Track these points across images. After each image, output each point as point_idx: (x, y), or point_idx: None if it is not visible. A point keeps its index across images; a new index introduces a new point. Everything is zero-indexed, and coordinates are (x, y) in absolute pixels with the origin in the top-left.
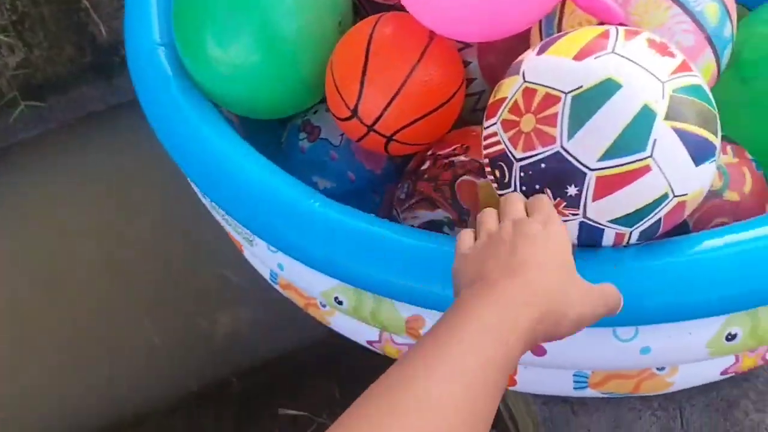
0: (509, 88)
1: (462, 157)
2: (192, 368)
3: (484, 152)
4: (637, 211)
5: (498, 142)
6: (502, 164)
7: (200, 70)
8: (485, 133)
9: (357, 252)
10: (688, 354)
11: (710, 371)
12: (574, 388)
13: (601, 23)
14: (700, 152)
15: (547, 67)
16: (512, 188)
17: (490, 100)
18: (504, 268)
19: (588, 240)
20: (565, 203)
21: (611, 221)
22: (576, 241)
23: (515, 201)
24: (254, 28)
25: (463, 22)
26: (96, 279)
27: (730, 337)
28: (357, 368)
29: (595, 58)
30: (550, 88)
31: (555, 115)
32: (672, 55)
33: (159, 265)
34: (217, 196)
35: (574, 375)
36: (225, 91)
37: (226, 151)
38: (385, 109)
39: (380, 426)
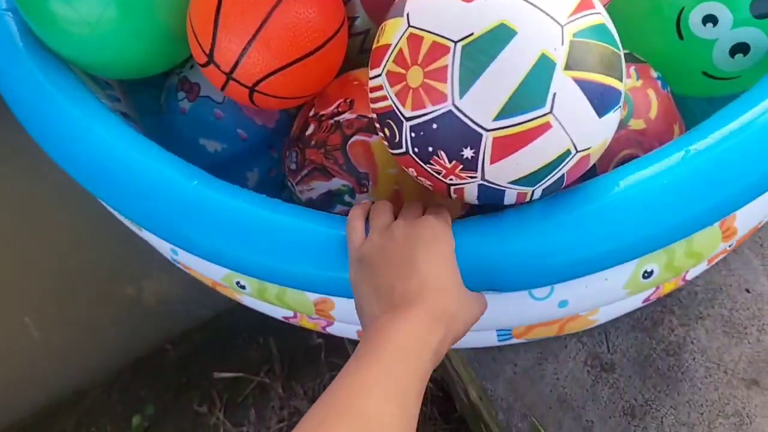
0: (393, 33)
1: (347, 115)
2: (124, 339)
3: (372, 107)
4: (538, 170)
5: (384, 97)
6: (391, 122)
7: (48, 32)
8: (371, 84)
9: (245, 240)
10: (607, 298)
11: (632, 303)
12: (499, 341)
13: None
14: (603, 102)
15: (434, 9)
16: (403, 149)
17: (374, 45)
18: (408, 292)
19: (488, 200)
20: (461, 166)
21: (512, 182)
22: (477, 201)
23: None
24: None
25: None
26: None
27: (647, 275)
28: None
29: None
30: (437, 35)
31: (444, 68)
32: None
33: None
34: (85, 181)
35: (497, 331)
36: (80, 52)
37: (87, 125)
38: (241, 54)
39: None
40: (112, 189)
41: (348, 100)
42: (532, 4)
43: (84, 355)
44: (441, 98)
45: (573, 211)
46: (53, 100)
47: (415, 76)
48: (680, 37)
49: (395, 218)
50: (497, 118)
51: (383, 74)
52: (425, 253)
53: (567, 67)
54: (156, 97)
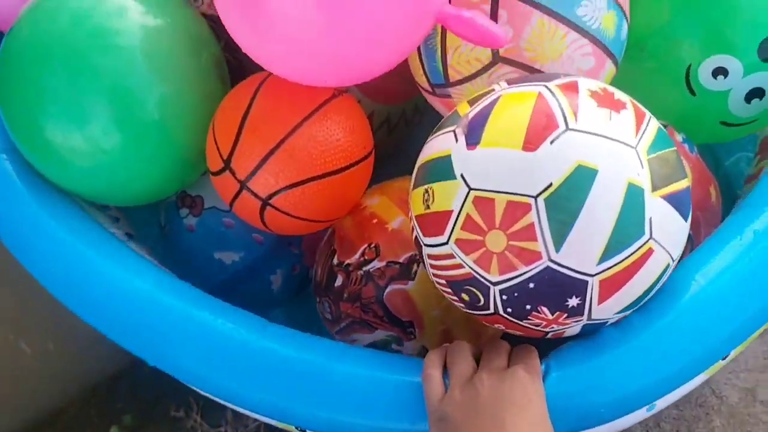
0: (449, 198)
1: (376, 263)
2: (102, 353)
3: (437, 273)
4: (643, 293)
5: (458, 265)
6: (472, 288)
7: (46, 163)
8: (430, 252)
9: (304, 393)
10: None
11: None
12: None
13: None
14: (686, 205)
15: (496, 167)
16: (491, 311)
17: (420, 210)
18: None
19: (587, 331)
20: (566, 315)
21: (618, 312)
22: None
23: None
24: (100, 108)
25: (315, 72)
26: None
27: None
28: None
29: (551, 143)
30: (511, 194)
31: (531, 226)
32: (621, 103)
33: None
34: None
35: None
36: (83, 182)
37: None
38: (262, 161)
39: None
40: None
41: (372, 246)
42: (599, 135)
43: (60, 377)
44: (534, 257)
45: (666, 320)
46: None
47: (496, 241)
48: (692, 93)
49: (476, 363)
50: (601, 261)
51: (451, 243)
52: (516, 418)
53: (654, 189)
54: (152, 208)
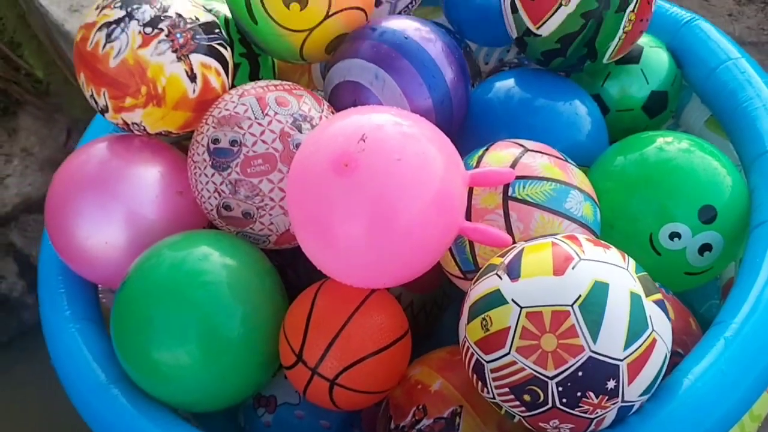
0: (505, 318)
1: (425, 421)
2: None
3: (500, 384)
4: (655, 377)
5: (521, 369)
6: (534, 387)
7: (146, 379)
8: (492, 366)
9: None
10: None
11: None
12: None
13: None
14: (666, 310)
15: (539, 289)
16: (549, 405)
17: (479, 335)
18: None
19: (620, 417)
20: (607, 397)
21: (640, 395)
22: (607, 425)
23: None
24: (194, 330)
25: (368, 279)
26: None
27: None
28: None
29: (573, 269)
30: (553, 306)
31: (572, 327)
32: (607, 245)
33: None
34: None
35: None
36: (173, 393)
37: None
38: (326, 349)
39: None
40: None
41: (421, 407)
42: (602, 261)
43: None
44: (579, 350)
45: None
46: None
47: (548, 342)
48: (658, 253)
49: None
50: (625, 348)
51: (512, 352)
52: None
53: (647, 295)
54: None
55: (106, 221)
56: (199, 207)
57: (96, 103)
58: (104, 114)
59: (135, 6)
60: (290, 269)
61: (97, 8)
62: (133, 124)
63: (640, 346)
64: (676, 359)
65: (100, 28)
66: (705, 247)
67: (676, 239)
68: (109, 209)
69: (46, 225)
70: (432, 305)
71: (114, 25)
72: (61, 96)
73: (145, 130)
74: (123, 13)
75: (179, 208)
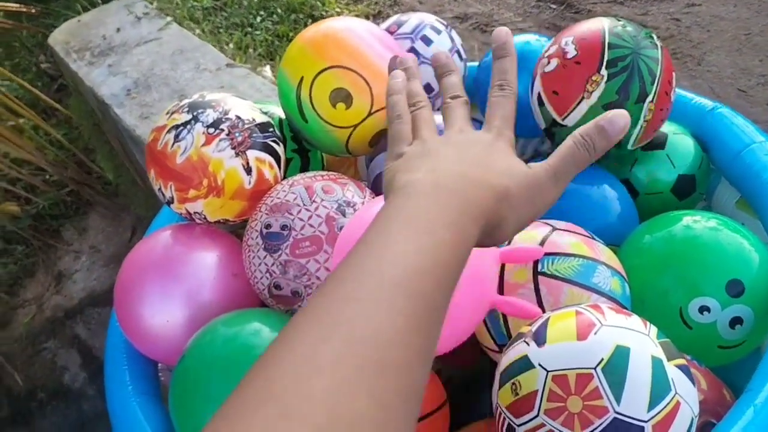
0: (532, 382)
1: None
2: None
3: None
4: None
5: (549, 431)
6: None
7: None
8: (524, 429)
9: None
10: None
11: None
12: None
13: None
14: (690, 375)
15: (563, 354)
16: None
17: (510, 400)
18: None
19: None
20: None
21: None
22: None
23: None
24: None
25: None
26: None
27: None
28: None
29: (595, 334)
30: (578, 369)
31: (596, 389)
32: (629, 313)
33: None
34: None
35: None
36: None
37: None
38: None
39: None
40: None
41: None
42: (623, 327)
43: None
44: (604, 411)
45: None
46: None
47: (574, 404)
48: (689, 327)
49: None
50: (649, 409)
51: (541, 414)
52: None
53: (668, 359)
54: None
55: (168, 301)
56: (252, 288)
57: (163, 195)
58: (170, 205)
59: (200, 110)
60: None
61: (167, 113)
62: (195, 213)
63: (663, 408)
64: (709, 430)
65: (169, 130)
66: (736, 321)
67: (705, 313)
68: (171, 290)
69: (114, 305)
70: (470, 381)
71: (181, 127)
72: (128, 196)
73: (205, 218)
74: (189, 116)
75: (234, 289)
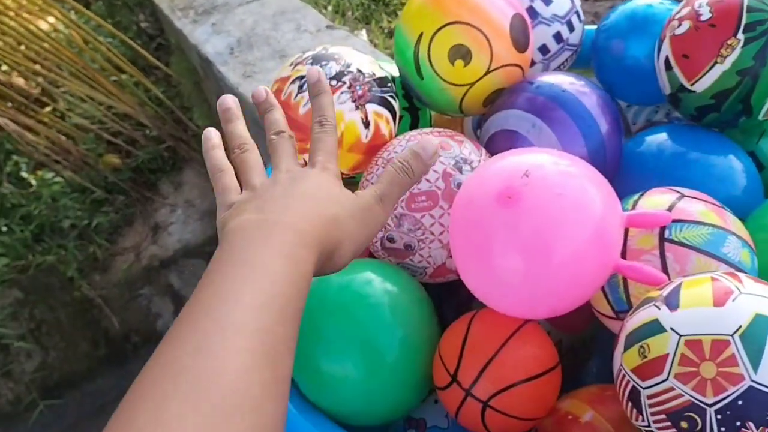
0: (663, 345)
1: None
2: None
3: (656, 410)
4: None
5: (678, 396)
6: (692, 414)
7: (311, 386)
8: (649, 392)
9: None
10: None
11: None
12: None
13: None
14: None
15: (699, 319)
16: None
17: (637, 362)
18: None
19: None
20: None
21: None
22: None
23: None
24: (358, 346)
25: (524, 310)
26: None
27: None
28: None
29: (733, 301)
30: (713, 335)
31: (733, 356)
32: (766, 283)
33: None
34: None
35: None
36: (334, 402)
37: None
38: (481, 371)
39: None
40: None
41: None
42: (763, 296)
43: None
44: (739, 379)
45: None
46: None
47: (708, 369)
48: None
49: None
50: None
51: (671, 378)
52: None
53: None
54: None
55: None
56: None
57: None
58: None
59: (323, 63)
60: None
61: (291, 64)
62: None
63: None
64: None
65: (293, 81)
66: None
67: None
68: None
69: None
70: (580, 347)
71: (305, 79)
72: None
73: None
74: None
75: None
